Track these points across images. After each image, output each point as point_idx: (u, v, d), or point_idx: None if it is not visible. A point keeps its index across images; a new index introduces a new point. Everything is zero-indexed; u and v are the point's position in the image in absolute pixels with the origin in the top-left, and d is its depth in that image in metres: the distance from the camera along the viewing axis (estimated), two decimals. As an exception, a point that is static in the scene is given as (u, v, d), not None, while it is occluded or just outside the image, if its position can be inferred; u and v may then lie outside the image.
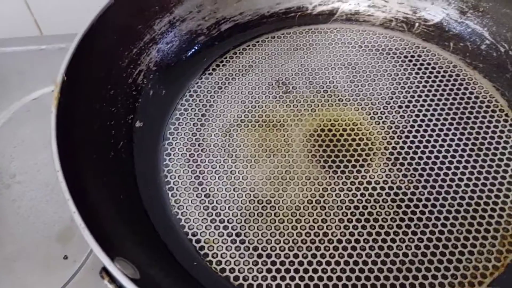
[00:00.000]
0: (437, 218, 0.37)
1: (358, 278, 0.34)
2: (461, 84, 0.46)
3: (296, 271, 0.35)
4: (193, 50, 0.49)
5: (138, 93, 0.44)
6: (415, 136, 0.42)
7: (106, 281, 0.26)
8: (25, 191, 0.47)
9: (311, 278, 0.34)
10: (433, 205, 0.38)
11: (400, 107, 0.45)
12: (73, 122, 0.34)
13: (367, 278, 0.34)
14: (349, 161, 0.41)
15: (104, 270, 0.26)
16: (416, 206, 0.38)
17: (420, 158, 0.41)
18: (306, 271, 0.35)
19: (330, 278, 0.34)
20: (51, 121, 0.32)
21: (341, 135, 0.43)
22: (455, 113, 0.44)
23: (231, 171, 0.41)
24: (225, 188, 0.40)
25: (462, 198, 0.38)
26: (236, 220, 0.38)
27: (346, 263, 0.35)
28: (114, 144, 0.39)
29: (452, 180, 0.39)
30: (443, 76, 0.47)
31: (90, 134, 0.36)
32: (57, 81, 0.34)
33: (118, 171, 0.37)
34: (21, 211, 0.46)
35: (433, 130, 0.43)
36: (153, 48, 0.46)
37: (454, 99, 0.45)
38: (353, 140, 0.42)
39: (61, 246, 0.43)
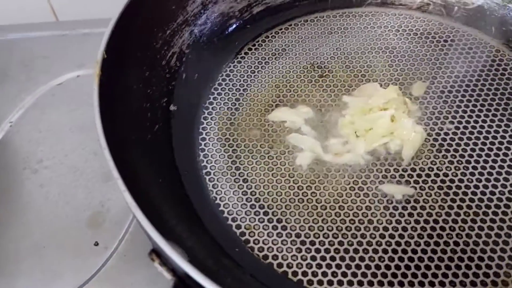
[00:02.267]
0: (488, 206, 0.35)
1: (407, 267, 0.33)
2: (505, 69, 0.44)
3: (342, 259, 0.33)
4: (225, 33, 0.48)
5: (171, 75, 0.42)
6: (460, 122, 0.41)
7: (156, 263, 0.25)
8: (53, 176, 0.46)
9: (358, 266, 0.33)
10: (483, 193, 0.36)
11: (442, 92, 0.43)
12: (113, 101, 0.32)
13: (417, 267, 0.33)
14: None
15: (154, 252, 0.25)
16: (465, 194, 0.36)
17: (467, 144, 0.39)
18: (352, 259, 0.33)
19: (378, 267, 0.33)
20: (94, 98, 0.30)
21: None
22: (501, 99, 0.42)
23: (268, 156, 0.39)
24: (263, 174, 0.38)
25: (513, 185, 0.36)
26: (276, 206, 0.36)
27: (394, 251, 0.33)
28: (150, 127, 0.38)
29: (501, 167, 0.37)
30: (485, 61, 0.45)
31: (129, 115, 0.35)
32: (98, 58, 0.32)
33: (156, 154, 0.36)
34: (49, 196, 0.45)
35: (478, 116, 0.41)
36: (186, 30, 0.44)
37: (499, 84, 0.43)
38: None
39: (91, 232, 0.42)
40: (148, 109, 0.38)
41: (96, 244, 0.41)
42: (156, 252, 0.25)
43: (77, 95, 0.53)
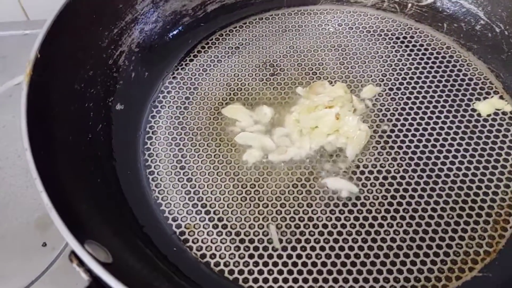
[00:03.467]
0: (427, 203, 0.36)
1: (343, 264, 0.33)
2: (454, 66, 0.44)
3: (279, 256, 0.33)
4: (178, 31, 0.48)
5: (119, 74, 0.42)
6: (406, 119, 0.41)
7: (74, 264, 0.25)
8: (4, 177, 0.46)
9: (294, 264, 0.33)
10: (423, 189, 0.36)
11: (391, 89, 0.43)
12: (49, 102, 0.32)
13: (353, 264, 0.33)
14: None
15: (73, 253, 0.25)
16: (406, 191, 0.36)
17: (411, 141, 0.39)
18: (289, 256, 0.33)
19: (314, 264, 0.33)
20: (22, 98, 0.30)
21: (330, 118, 0.41)
22: (448, 96, 0.42)
23: (214, 155, 0.39)
24: (208, 173, 0.38)
25: (454, 182, 0.37)
26: (218, 204, 0.36)
27: (332, 248, 0.34)
28: (92, 127, 0.37)
29: (443, 163, 0.38)
30: (436, 58, 0.45)
31: (66, 115, 0.35)
32: (30, 58, 0.32)
33: (96, 154, 0.36)
34: (-1, 197, 0.44)
35: (424, 113, 0.41)
36: (136, 28, 0.44)
37: (447, 81, 0.43)
38: (342, 123, 0.41)
39: (40, 233, 0.42)
40: (91, 109, 0.38)
41: (44, 245, 0.41)
42: (75, 254, 0.25)
43: (34, 95, 0.53)
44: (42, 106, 0.31)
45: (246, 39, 0.48)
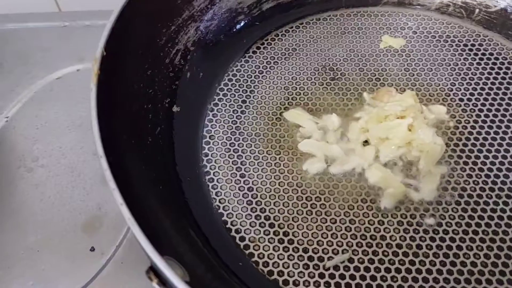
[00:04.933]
0: (508, 225, 0.33)
1: (422, 289, 0.31)
2: (527, 77, 0.42)
3: (352, 277, 0.31)
4: (233, 30, 0.45)
5: (175, 74, 0.40)
6: (479, 133, 0.38)
7: (154, 283, 0.22)
8: (49, 176, 0.44)
9: (369, 286, 0.31)
10: (503, 210, 0.34)
11: (461, 100, 0.41)
12: (112, 102, 0.30)
13: (432, 290, 0.31)
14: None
15: (152, 270, 0.22)
16: (484, 211, 0.34)
17: (486, 157, 0.37)
18: (363, 277, 0.31)
19: (390, 287, 0.31)
20: (91, 100, 0.28)
21: (396, 128, 0.39)
22: (523, 109, 0.40)
23: (275, 163, 0.37)
24: (270, 182, 0.36)
25: (535, 203, 0.34)
26: (283, 217, 0.34)
27: (408, 271, 0.31)
28: (152, 130, 0.35)
29: (522, 182, 0.35)
30: (507, 68, 0.42)
31: (129, 117, 0.33)
32: (97, 56, 0.30)
33: (157, 159, 0.34)
34: (45, 198, 0.42)
35: (499, 127, 0.39)
36: (192, 26, 0.42)
37: (521, 93, 0.41)
38: (410, 134, 0.38)
39: (87, 236, 0.40)
40: (149, 111, 0.36)
41: (92, 249, 0.39)
42: (154, 271, 0.22)
43: (76, 90, 0.51)
44: (107, 107, 0.29)
45: (303, 40, 0.46)
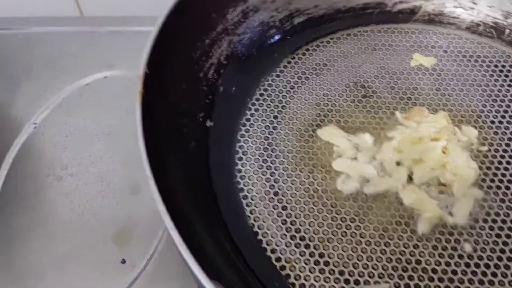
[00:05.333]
0: (543, 253, 0.33)
1: (458, 316, 0.31)
2: (559, 101, 0.42)
3: (388, 302, 0.31)
4: (264, 44, 0.45)
5: (208, 88, 0.40)
6: (511, 157, 0.38)
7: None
8: (78, 185, 0.44)
9: None
10: (537, 238, 0.34)
11: (492, 122, 0.41)
12: (154, 120, 0.30)
13: (468, 316, 0.31)
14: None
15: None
16: (520, 238, 0.34)
17: (520, 182, 0.37)
18: (398, 302, 0.31)
19: (426, 313, 0.31)
20: (137, 120, 0.28)
21: (429, 149, 0.39)
22: (556, 133, 0.40)
23: (309, 182, 0.37)
24: (304, 201, 0.36)
25: None
26: (318, 238, 0.34)
27: (444, 297, 0.32)
28: (187, 145, 0.36)
29: (557, 209, 0.35)
30: (539, 91, 0.42)
31: (168, 133, 0.33)
32: (140, 74, 0.30)
33: (193, 176, 0.34)
34: (74, 207, 0.43)
35: (531, 151, 0.39)
36: (225, 39, 0.42)
37: (554, 117, 0.41)
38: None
39: (118, 248, 0.40)
40: (184, 125, 0.36)
41: (123, 261, 0.39)
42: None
43: (105, 97, 0.51)
44: (150, 126, 0.29)
45: (334, 56, 0.46)
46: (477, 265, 0.33)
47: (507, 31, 0.47)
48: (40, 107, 0.50)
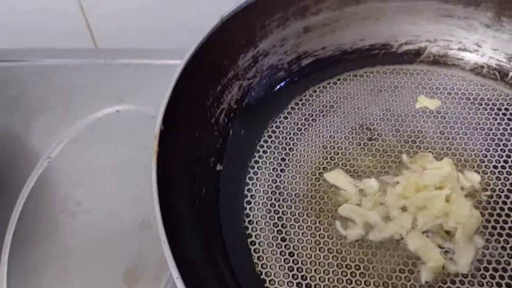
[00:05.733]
0: (543, 303, 0.34)
1: None
2: (561, 146, 0.43)
3: None
4: (273, 87, 0.47)
5: (219, 133, 0.42)
6: (514, 203, 0.39)
7: None
8: (91, 222, 0.46)
9: None
10: (537, 287, 0.35)
11: (495, 167, 0.42)
12: (168, 174, 0.32)
13: None
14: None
15: None
16: (519, 286, 0.35)
17: (521, 229, 0.38)
18: None
19: None
20: (152, 181, 0.29)
21: (432, 194, 0.40)
22: (557, 180, 0.40)
23: (315, 227, 0.39)
24: (310, 248, 0.37)
25: None
26: (324, 286, 0.35)
27: None
28: (199, 192, 0.37)
29: (557, 259, 0.36)
30: (542, 135, 0.43)
31: (181, 184, 0.34)
32: (156, 133, 0.32)
33: (203, 223, 0.36)
34: (88, 243, 0.44)
35: (533, 197, 0.40)
36: (236, 84, 0.44)
37: (556, 163, 0.42)
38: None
39: (128, 287, 0.42)
40: (197, 172, 0.38)
41: (134, 300, 0.41)
42: None
43: (116, 132, 0.53)
44: (164, 182, 0.31)
45: (340, 97, 0.47)
46: (478, 316, 0.34)
47: (511, 74, 0.48)
48: (55, 141, 0.52)
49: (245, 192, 0.41)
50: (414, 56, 0.50)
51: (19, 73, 0.59)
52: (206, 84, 0.40)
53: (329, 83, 0.48)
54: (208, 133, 0.40)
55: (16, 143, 0.53)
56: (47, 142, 0.52)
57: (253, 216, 0.39)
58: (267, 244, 0.38)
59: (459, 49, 0.49)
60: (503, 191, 0.40)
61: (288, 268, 0.36)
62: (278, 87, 0.47)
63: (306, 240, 0.38)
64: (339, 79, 0.49)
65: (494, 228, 0.38)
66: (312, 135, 0.45)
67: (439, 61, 0.49)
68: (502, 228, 0.38)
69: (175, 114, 0.34)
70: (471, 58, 0.49)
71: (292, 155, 0.43)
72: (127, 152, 0.51)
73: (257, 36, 0.44)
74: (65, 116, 0.54)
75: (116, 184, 0.48)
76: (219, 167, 0.40)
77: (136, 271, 0.43)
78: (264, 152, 0.43)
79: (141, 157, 0.51)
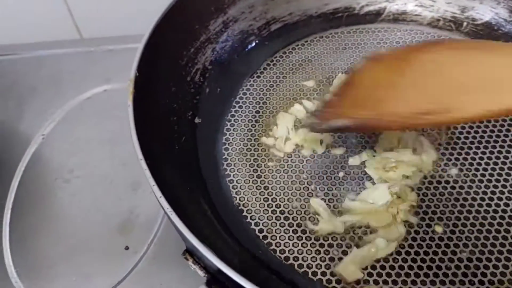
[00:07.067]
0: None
1: None
2: None
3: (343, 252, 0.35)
4: (245, 49, 0.51)
5: (195, 90, 0.45)
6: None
7: (190, 262, 0.27)
8: (84, 186, 0.49)
9: (383, 267, 0.35)
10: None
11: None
12: (144, 115, 0.35)
13: None
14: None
15: (188, 252, 0.27)
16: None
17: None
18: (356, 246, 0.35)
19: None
20: (129, 114, 0.33)
21: (395, 131, 0.43)
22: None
23: (287, 165, 0.42)
24: (283, 181, 0.41)
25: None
26: (296, 211, 0.39)
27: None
28: (178, 139, 0.40)
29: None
30: (494, 74, 0.47)
31: (159, 128, 0.38)
32: (131, 77, 0.35)
33: (183, 164, 0.39)
34: (81, 205, 0.47)
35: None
36: (209, 47, 0.47)
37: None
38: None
39: (122, 237, 0.45)
40: (175, 122, 0.41)
41: (127, 248, 0.44)
42: (189, 252, 0.27)
43: (105, 108, 0.56)
44: (140, 121, 0.34)
45: (308, 57, 0.51)
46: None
47: (465, 23, 0.51)
48: (47, 120, 0.56)
49: (223, 140, 0.44)
50: (375, 16, 0.54)
51: (12, 65, 0.63)
52: (179, 45, 0.44)
53: (297, 45, 0.52)
54: (184, 89, 0.44)
55: (11, 126, 0.56)
56: (40, 122, 0.56)
57: (230, 159, 0.43)
58: (244, 181, 0.41)
59: (416, 5, 0.53)
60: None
61: (264, 199, 0.40)
62: (250, 50, 0.51)
63: (280, 176, 0.41)
64: (306, 41, 0.52)
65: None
66: (284, 89, 0.48)
67: (399, 18, 0.53)
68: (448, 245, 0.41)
69: (150, 64, 0.38)
70: (428, 13, 0.53)
71: (266, 107, 0.47)
72: (114, 125, 0.54)
73: (225, 3, 0.48)
74: (56, 99, 0.58)
75: (106, 153, 0.52)
76: (197, 120, 0.44)
77: (128, 224, 0.46)
78: (240, 107, 0.47)
79: (129, 129, 0.54)
